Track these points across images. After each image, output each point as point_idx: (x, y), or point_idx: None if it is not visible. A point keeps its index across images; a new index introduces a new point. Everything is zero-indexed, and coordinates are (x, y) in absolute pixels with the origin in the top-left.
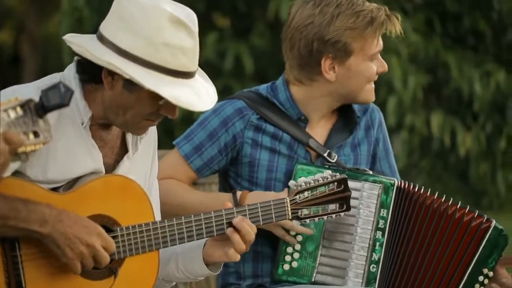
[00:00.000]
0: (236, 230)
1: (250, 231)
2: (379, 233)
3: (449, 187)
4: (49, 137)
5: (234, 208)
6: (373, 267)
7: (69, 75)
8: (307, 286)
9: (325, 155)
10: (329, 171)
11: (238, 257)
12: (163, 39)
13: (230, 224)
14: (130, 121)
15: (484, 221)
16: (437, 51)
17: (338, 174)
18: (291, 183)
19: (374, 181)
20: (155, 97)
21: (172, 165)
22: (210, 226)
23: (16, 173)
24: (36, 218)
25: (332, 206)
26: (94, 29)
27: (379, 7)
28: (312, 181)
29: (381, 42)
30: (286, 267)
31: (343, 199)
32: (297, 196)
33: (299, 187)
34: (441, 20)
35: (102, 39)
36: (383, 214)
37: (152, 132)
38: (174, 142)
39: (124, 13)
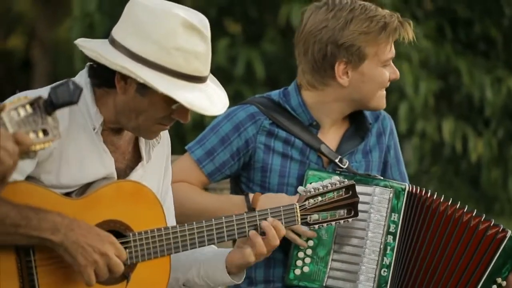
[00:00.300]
0: (262, 233)
1: (276, 235)
2: (390, 237)
3: (461, 193)
4: (58, 134)
5: (245, 213)
6: (384, 271)
7: (80, 81)
8: None
9: (337, 161)
10: (338, 177)
11: (253, 258)
12: (176, 43)
13: (254, 228)
14: (143, 125)
15: (500, 230)
16: (448, 57)
17: (346, 180)
18: (300, 189)
19: (385, 186)
20: (168, 101)
21: (184, 170)
22: (221, 232)
23: (29, 178)
24: (48, 226)
25: (340, 212)
26: (105, 34)
27: (391, 13)
28: (321, 187)
29: (393, 48)
30: (298, 272)
31: (351, 205)
32: (306, 202)
33: (308, 193)
34: (452, 26)
35: (114, 43)
36: (394, 218)
37: (165, 140)
38: (186, 147)
39: (137, 18)
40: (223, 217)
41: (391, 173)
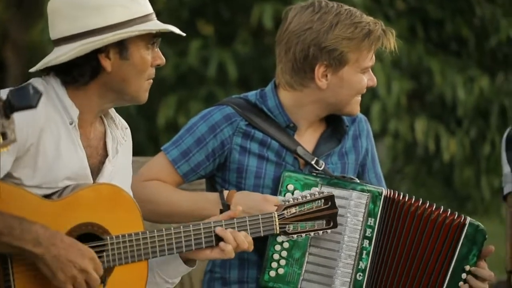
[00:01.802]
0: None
1: (243, 240)
2: (366, 242)
3: (434, 193)
4: (15, 138)
5: (223, 220)
6: (360, 275)
7: (44, 83)
8: None
9: (313, 162)
10: (317, 188)
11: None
12: None
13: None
14: (136, 89)
15: (456, 218)
16: (420, 57)
17: (325, 191)
18: (279, 198)
19: (362, 190)
20: (148, 51)
21: (159, 169)
22: (199, 238)
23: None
24: (30, 237)
25: (319, 223)
26: None
27: (376, 21)
28: (300, 197)
29: (374, 57)
30: (273, 273)
31: (330, 216)
32: (285, 211)
33: (287, 203)
34: (424, 26)
35: (74, 37)
36: (370, 223)
37: (130, 140)
38: (162, 148)
39: (77, 2)
40: (201, 223)
41: (368, 176)
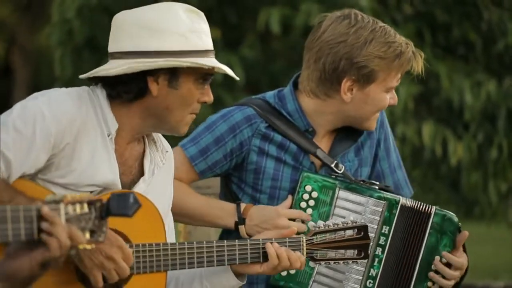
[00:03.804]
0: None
1: (295, 259)
2: (379, 250)
3: (441, 197)
4: (104, 240)
5: (248, 240)
6: (370, 282)
7: (95, 90)
8: None
9: (332, 165)
10: (351, 217)
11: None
12: (188, 27)
13: (256, 254)
14: (177, 120)
15: (424, 209)
16: (428, 61)
17: (358, 220)
18: (311, 224)
19: (379, 198)
20: (198, 85)
21: (176, 165)
22: (222, 256)
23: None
24: None
25: (349, 252)
26: (84, 41)
27: (408, 42)
28: (331, 224)
29: (400, 78)
30: (284, 272)
31: (361, 246)
32: (315, 237)
33: (317, 228)
34: (431, 30)
35: (130, 54)
36: (385, 231)
37: (171, 164)
38: (179, 144)
39: (140, 22)
40: (225, 241)
41: (380, 166)
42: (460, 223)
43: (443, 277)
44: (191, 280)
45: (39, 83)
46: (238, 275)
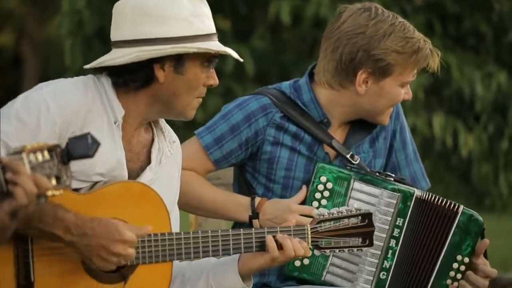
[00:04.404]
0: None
1: (298, 247)
2: (393, 242)
3: (452, 188)
4: (70, 184)
5: (253, 229)
6: (383, 274)
7: (95, 79)
8: (310, 287)
9: (348, 156)
10: (355, 205)
11: (275, 262)
12: (190, 11)
13: (260, 243)
14: (184, 104)
15: (451, 207)
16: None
17: (362, 208)
18: (315, 212)
19: (393, 190)
20: (204, 69)
21: (190, 155)
22: (227, 245)
23: None
24: (62, 225)
25: (354, 240)
26: (94, 31)
27: (426, 40)
28: (335, 212)
29: (415, 73)
30: (298, 263)
31: (366, 234)
32: (319, 225)
33: (321, 216)
34: (442, 21)
35: (134, 42)
36: (399, 223)
37: (178, 155)
38: (195, 132)
39: (141, 9)
40: (230, 230)
41: (396, 157)
42: (484, 226)
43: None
44: (197, 278)
45: (48, 74)
46: (244, 277)
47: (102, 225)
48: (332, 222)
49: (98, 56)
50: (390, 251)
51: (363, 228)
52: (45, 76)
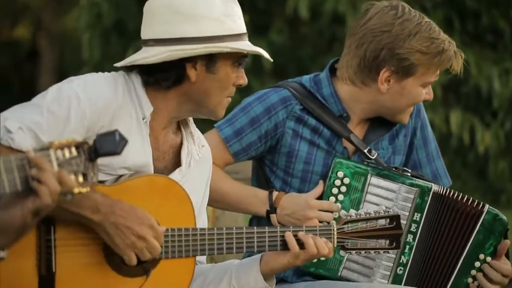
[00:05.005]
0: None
1: (322, 246)
2: (410, 237)
3: (468, 185)
4: (96, 181)
5: (278, 227)
6: (400, 269)
7: (130, 76)
8: (327, 282)
9: (365, 151)
10: (383, 206)
11: (298, 262)
12: (222, 11)
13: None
14: (215, 104)
15: (475, 205)
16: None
17: (391, 210)
18: (342, 213)
19: (411, 185)
20: (234, 69)
21: (210, 146)
22: (252, 242)
23: None
24: (89, 204)
25: (381, 242)
26: (113, 24)
27: (450, 41)
28: (363, 213)
29: (438, 74)
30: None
31: (393, 236)
32: (346, 226)
33: (349, 217)
34: (460, 17)
35: (165, 41)
36: (416, 218)
37: (208, 161)
38: (215, 125)
39: (173, 8)
40: (255, 228)
41: (417, 155)
42: (508, 226)
43: (489, 280)
44: (220, 279)
45: (65, 67)
46: (266, 277)
47: (131, 208)
48: (359, 223)
49: (116, 50)
50: (408, 246)
51: (391, 230)
52: (62, 69)
